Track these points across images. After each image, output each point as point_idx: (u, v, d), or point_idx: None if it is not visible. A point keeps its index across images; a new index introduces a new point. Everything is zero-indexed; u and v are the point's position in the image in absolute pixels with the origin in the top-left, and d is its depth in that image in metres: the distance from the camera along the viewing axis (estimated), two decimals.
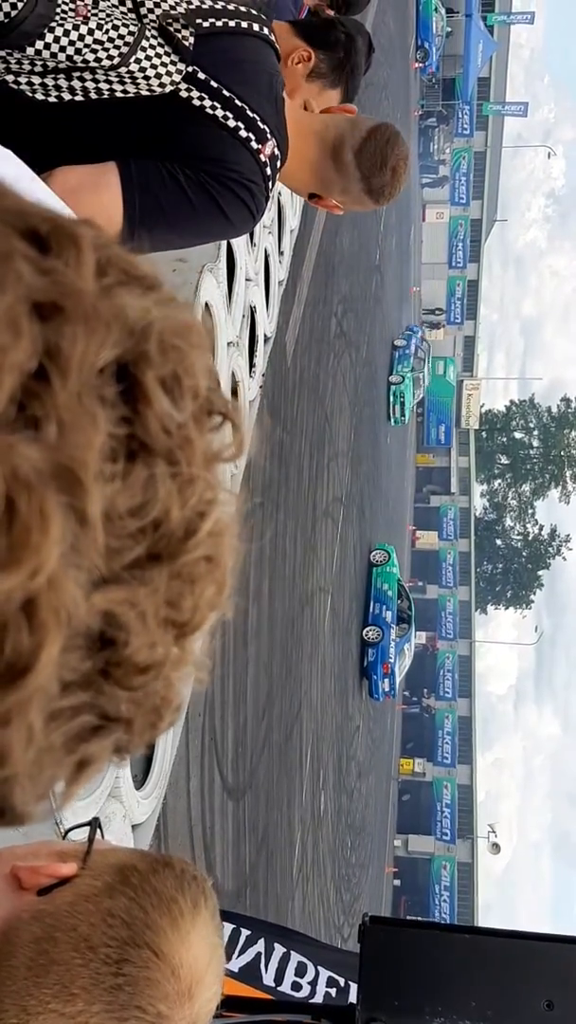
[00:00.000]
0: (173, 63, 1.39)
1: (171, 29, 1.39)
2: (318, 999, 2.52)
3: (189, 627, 0.41)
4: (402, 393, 24.45)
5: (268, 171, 1.48)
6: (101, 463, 0.35)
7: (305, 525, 10.19)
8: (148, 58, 1.37)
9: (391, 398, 24.12)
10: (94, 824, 0.99)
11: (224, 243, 4.79)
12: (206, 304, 4.40)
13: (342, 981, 2.62)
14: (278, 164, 1.52)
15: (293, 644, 9.37)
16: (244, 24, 1.49)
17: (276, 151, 1.49)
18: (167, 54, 1.39)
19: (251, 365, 5.80)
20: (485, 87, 40.57)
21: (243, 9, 1.50)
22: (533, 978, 1.63)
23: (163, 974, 0.72)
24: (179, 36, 1.40)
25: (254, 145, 1.45)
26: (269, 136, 1.47)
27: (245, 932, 2.65)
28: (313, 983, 2.62)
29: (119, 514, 0.37)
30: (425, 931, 1.74)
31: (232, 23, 1.47)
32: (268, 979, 2.59)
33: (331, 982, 2.64)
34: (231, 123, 1.43)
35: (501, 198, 48.76)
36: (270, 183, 1.50)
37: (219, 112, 1.42)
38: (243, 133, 1.44)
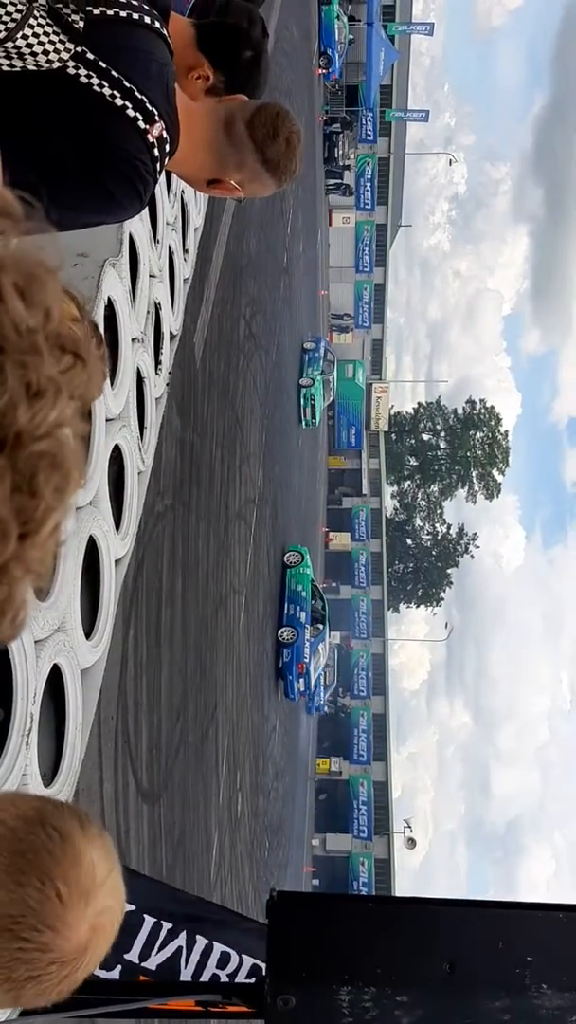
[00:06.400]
0: (62, 42, 1.39)
1: (61, 11, 1.39)
2: None
3: (33, 522, 0.43)
4: (312, 396, 24.66)
5: (156, 152, 1.48)
6: None
7: (218, 527, 10.16)
8: (36, 35, 1.36)
9: (302, 401, 24.29)
10: None
11: (127, 239, 4.75)
12: (108, 299, 4.35)
13: (264, 968, 2.61)
14: (167, 147, 1.52)
15: (207, 646, 9.32)
16: (136, 16, 1.49)
17: (165, 134, 1.49)
18: (56, 33, 1.38)
19: (157, 362, 5.76)
20: (388, 95, 41.18)
21: (135, 2, 1.50)
22: (435, 942, 1.68)
23: (64, 854, 0.75)
24: (69, 19, 1.40)
25: (141, 125, 1.45)
26: (157, 118, 1.47)
27: (167, 926, 2.61)
28: (233, 975, 2.61)
29: None
30: (331, 903, 1.78)
31: (123, 13, 1.47)
32: (186, 976, 2.57)
33: (253, 970, 2.62)
34: (118, 102, 1.43)
35: (405, 203, 49.57)
36: (158, 165, 1.50)
37: (106, 91, 1.42)
38: (130, 112, 1.44)
